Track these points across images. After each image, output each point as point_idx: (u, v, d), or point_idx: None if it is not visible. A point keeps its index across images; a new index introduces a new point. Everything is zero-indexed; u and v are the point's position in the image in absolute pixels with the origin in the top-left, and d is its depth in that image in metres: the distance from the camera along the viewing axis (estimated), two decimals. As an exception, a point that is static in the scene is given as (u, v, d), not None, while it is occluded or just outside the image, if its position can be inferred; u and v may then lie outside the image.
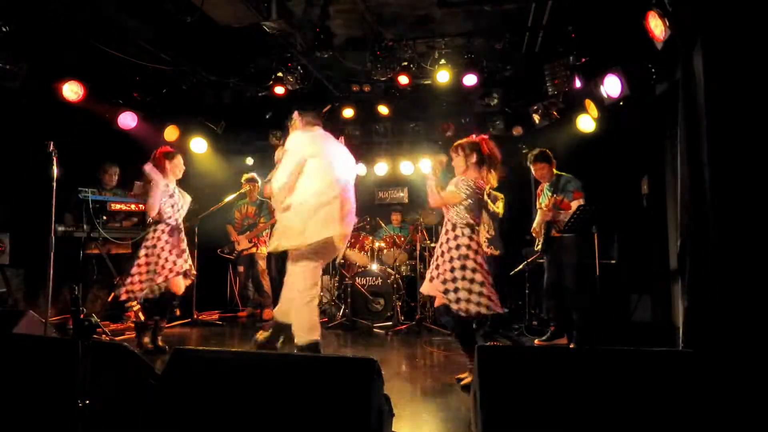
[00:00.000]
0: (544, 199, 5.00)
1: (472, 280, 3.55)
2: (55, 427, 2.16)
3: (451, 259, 3.61)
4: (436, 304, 3.77)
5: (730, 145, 3.19)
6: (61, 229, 5.39)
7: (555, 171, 5.00)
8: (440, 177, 3.81)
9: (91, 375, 1.89)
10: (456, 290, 3.56)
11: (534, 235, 5.09)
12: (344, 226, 3.78)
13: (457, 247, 3.61)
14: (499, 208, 5.52)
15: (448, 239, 3.67)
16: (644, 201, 5.73)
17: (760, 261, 3.06)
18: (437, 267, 3.68)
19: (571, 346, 4.76)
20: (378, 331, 5.82)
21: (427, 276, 3.79)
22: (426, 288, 3.84)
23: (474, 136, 3.85)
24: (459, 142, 3.83)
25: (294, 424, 2.06)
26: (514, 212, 6.07)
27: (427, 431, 2.90)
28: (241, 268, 6.99)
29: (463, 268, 3.58)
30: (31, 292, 5.37)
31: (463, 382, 3.62)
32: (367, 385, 2.06)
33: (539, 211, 5.05)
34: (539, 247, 5.07)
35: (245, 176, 6.85)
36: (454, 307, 3.57)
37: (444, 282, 3.60)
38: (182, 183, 6.23)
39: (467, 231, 3.64)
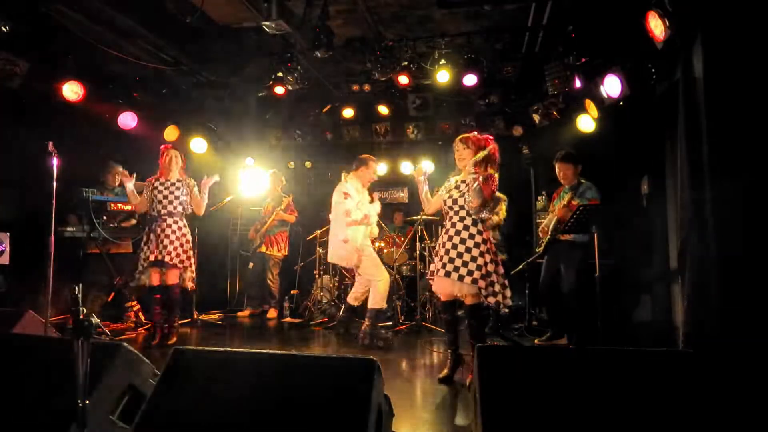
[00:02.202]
0: (558, 202, 4.98)
1: (502, 274, 3.66)
2: (55, 427, 2.16)
3: (482, 254, 3.61)
4: (468, 301, 3.70)
5: (730, 145, 3.19)
6: (70, 229, 5.41)
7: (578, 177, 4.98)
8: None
9: (91, 375, 1.89)
10: (492, 284, 3.58)
11: (541, 234, 5.09)
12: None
13: (484, 241, 3.65)
14: (501, 211, 5.51)
15: (471, 234, 3.65)
16: (644, 201, 5.72)
17: (760, 261, 3.06)
18: (465, 264, 3.60)
19: (571, 346, 4.76)
20: (378, 331, 5.81)
21: (439, 271, 3.70)
22: (452, 288, 3.71)
23: (476, 133, 3.91)
24: (468, 136, 3.83)
25: (294, 423, 2.06)
26: (513, 214, 6.06)
27: (427, 431, 2.90)
28: (251, 265, 7.00)
29: (493, 261, 3.64)
30: (31, 292, 5.36)
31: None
32: (367, 385, 2.06)
33: (550, 214, 5.04)
34: (542, 248, 5.07)
35: (269, 171, 7.10)
36: (491, 300, 3.58)
37: (482, 278, 3.58)
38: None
39: (481, 226, 3.71)
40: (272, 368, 2.29)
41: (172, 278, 4.85)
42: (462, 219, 3.71)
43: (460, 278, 3.58)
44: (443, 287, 3.78)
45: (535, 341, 5.18)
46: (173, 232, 4.84)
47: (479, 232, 3.66)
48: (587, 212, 4.24)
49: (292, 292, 6.96)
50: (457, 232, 3.69)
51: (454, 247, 3.65)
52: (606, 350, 2.38)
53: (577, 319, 4.75)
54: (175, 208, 4.88)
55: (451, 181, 3.89)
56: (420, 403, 3.41)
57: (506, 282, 3.69)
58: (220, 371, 2.30)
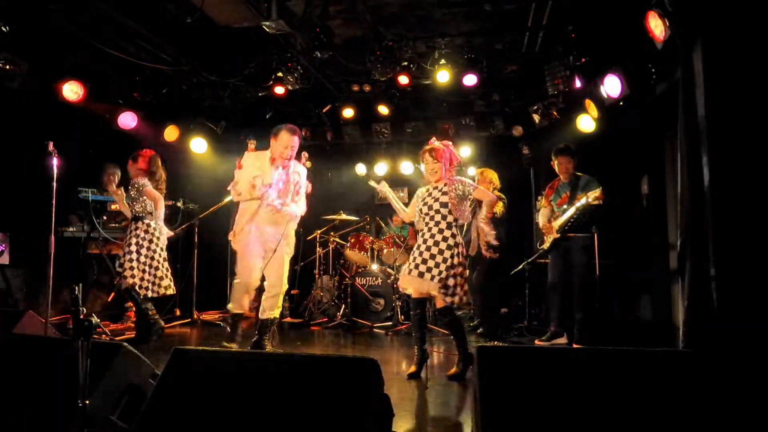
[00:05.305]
0: (556, 198, 4.99)
1: (463, 275, 3.83)
2: (55, 427, 2.16)
3: (452, 256, 3.77)
4: (439, 305, 3.85)
5: (730, 146, 3.19)
6: (70, 229, 5.42)
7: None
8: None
9: (91, 375, 1.89)
10: (455, 285, 3.76)
11: (543, 231, 5.07)
12: None
13: (456, 245, 3.81)
14: (499, 208, 5.52)
15: (445, 237, 3.81)
16: (644, 201, 5.72)
17: (760, 261, 3.06)
18: (437, 265, 3.74)
19: (574, 345, 4.76)
20: (378, 331, 5.82)
21: (411, 270, 3.82)
22: (422, 287, 3.85)
23: (434, 140, 4.14)
24: (434, 148, 4.00)
25: (294, 423, 2.06)
26: (513, 213, 6.06)
27: (427, 431, 2.90)
28: None
29: (461, 265, 3.81)
30: (31, 292, 5.37)
31: (450, 372, 3.88)
32: (367, 385, 2.06)
33: (544, 209, 5.05)
34: (546, 245, 5.06)
35: None
36: (450, 300, 3.75)
37: (445, 279, 3.73)
38: (183, 183, 6.21)
39: (455, 230, 3.86)
40: (272, 368, 2.29)
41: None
42: (438, 226, 3.85)
43: (432, 278, 3.73)
44: (413, 285, 3.92)
45: (536, 341, 5.18)
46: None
47: (453, 236, 3.82)
48: (587, 212, 4.25)
49: (292, 292, 6.96)
50: (432, 236, 3.84)
51: (428, 249, 3.81)
52: (606, 350, 2.38)
53: (579, 319, 4.75)
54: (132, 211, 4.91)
55: (422, 190, 4.08)
56: (420, 403, 3.41)
57: (466, 286, 3.89)
58: (220, 371, 2.30)
